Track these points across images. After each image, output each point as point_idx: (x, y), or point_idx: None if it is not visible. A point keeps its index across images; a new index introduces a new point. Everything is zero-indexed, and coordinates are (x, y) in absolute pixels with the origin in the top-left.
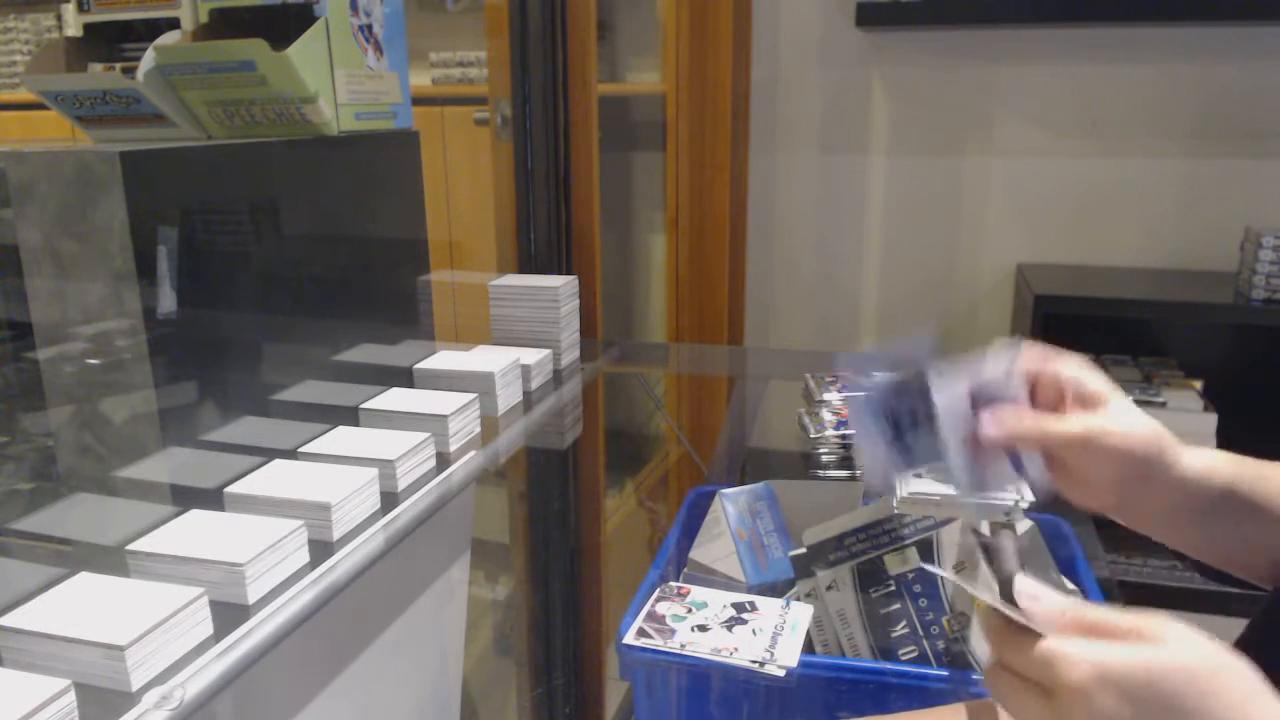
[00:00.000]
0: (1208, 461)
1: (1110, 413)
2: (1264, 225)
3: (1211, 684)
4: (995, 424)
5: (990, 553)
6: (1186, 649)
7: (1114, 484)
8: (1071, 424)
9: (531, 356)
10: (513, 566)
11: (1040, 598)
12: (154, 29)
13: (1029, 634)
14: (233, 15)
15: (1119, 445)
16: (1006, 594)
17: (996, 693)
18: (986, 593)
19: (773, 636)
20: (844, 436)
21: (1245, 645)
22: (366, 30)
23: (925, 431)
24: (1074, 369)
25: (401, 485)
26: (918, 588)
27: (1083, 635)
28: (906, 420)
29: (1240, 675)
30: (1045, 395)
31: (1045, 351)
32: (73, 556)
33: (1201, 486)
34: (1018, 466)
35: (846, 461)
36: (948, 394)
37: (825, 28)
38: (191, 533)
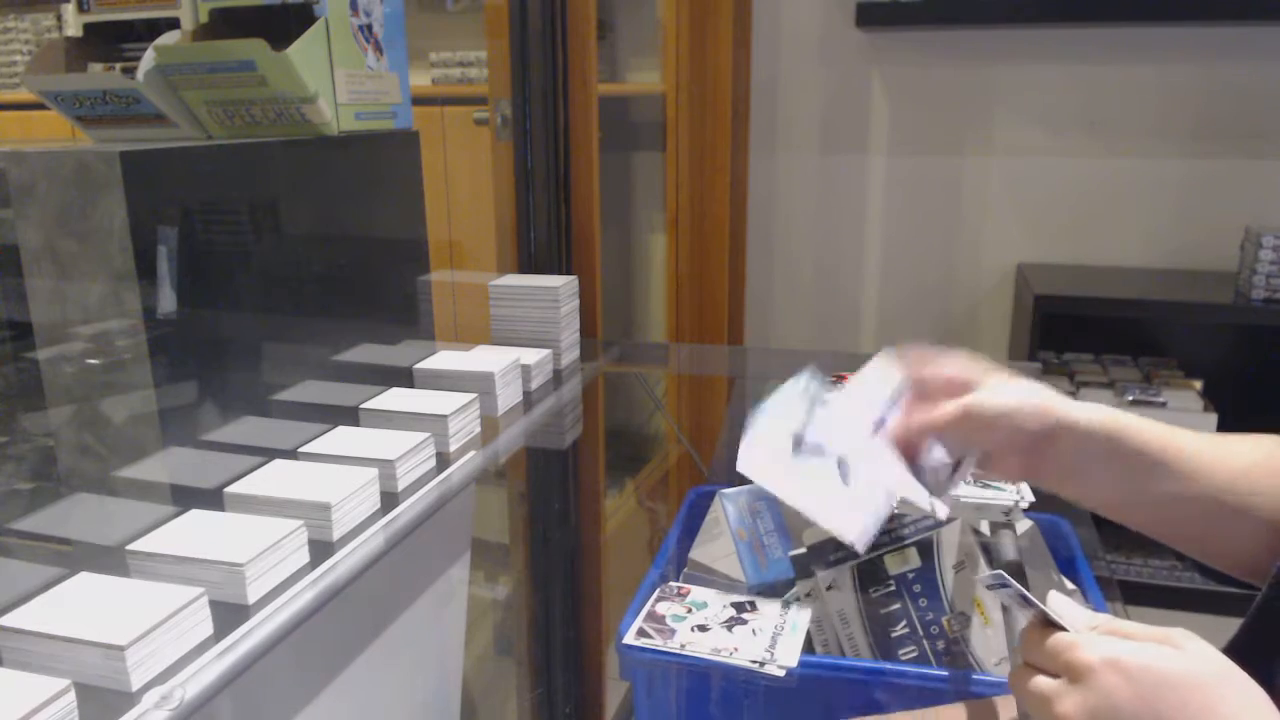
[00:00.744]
0: (1094, 411)
1: (986, 388)
2: (1264, 225)
3: (1215, 691)
4: (886, 435)
5: (990, 550)
6: (1198, 657)
7: (1010, 449)
8: (948, 407)
9: (531, 356)
10: (513, 566)
11: (1075, 609)
12: (154, 29)
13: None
14: (233, 15)
15: (997, 411)
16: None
17: (1016, 684)
18: (1031, 597)
19: (773, 636)
20: None
21: (1234, 651)
22: (366, 30)
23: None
24: (952, 363)
25: (401, 485)
26: (918, 588)
27: (1107, 634)
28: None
29: (1245, 691)
30: (932, 391)
31: (922, 353)
32: (73, 556)
33: (1093, 432)
34: (918, 470)
35: None
36: (844, 428)
37: (825, 28)
38: (191, 533)
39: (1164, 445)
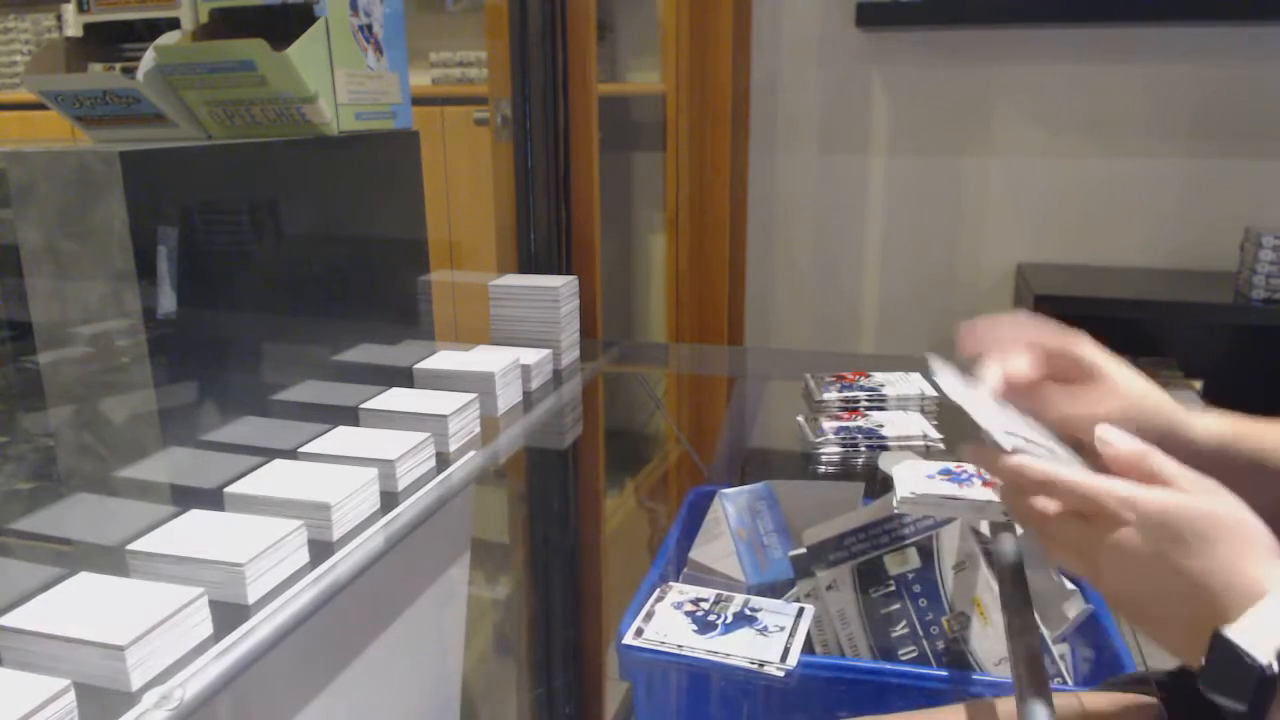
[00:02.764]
0: (1208, 420)
1: (1112, 377)
2: (1264, 225)
3: (1218, 532)
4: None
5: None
6: (1206, 499)
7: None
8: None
9: (531, 356)
10: (513, 566)
11: (1117, 444)
12: (154, 29)
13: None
14: (233, 15)
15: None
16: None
17: (1038, 517)
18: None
19: (773, 636)
20: (844, 437)
21: None
22: (366, 30)
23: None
24: (1057, 339)
25: (401, 485)
26: (918, 588)
27: (1135, 473)
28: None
29: (1245, 531)
30: (1059, 369)
31: (1048, 331)
32: (73, 556)
33: (1205, 441)
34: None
35: (847, 462)
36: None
37: (825, 28)
38: (191, 533)
39: (1261, 447)
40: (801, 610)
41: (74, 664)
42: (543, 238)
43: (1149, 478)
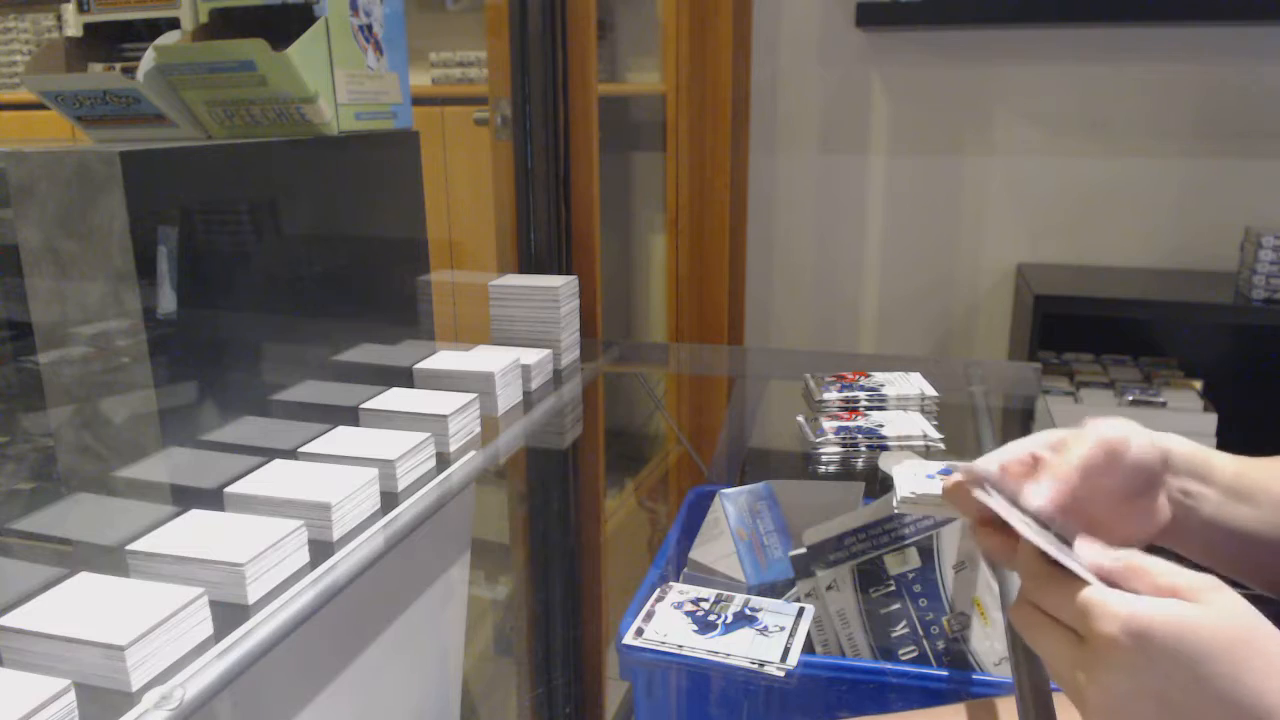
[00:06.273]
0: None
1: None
2: (1264, 225)
3: (1244, 651)
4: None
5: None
6: (1223, 612)
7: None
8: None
9: (531, 356)
10: (513, 566)
11: (1086, 544)
12: (154, 29)
13: (1068, 578)
14: (233, 15)
15: (1135, 457)
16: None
17: (1024, 628)
18: (1031, 531)
19: (773, 636)
20: (844, 437)
21: None
22: (366, 30)
23: None
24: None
25: (401, 485)
26: (918, 588)
27: (1123, 583)
28: None
29: (1269, 651)
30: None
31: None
32: (73, 556)
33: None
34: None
35: (847, 462)
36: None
37: (825, 28)
38: (191, 533)
39: (1238, 473)
40: (801, 610)
41: (74, 664)
42: (543, 238)
43: (1130, 579)
